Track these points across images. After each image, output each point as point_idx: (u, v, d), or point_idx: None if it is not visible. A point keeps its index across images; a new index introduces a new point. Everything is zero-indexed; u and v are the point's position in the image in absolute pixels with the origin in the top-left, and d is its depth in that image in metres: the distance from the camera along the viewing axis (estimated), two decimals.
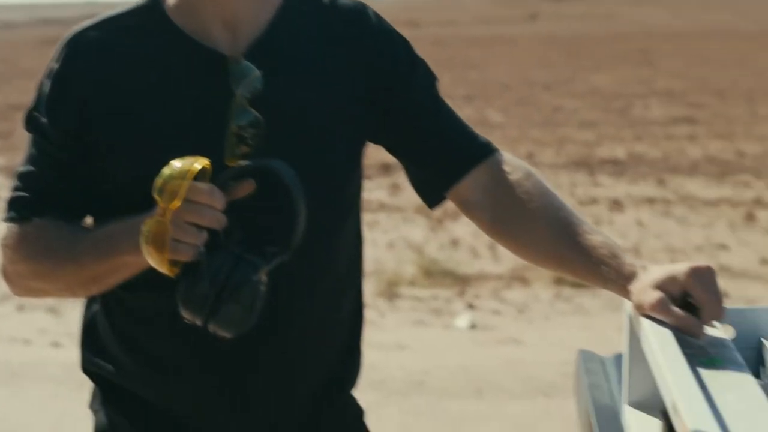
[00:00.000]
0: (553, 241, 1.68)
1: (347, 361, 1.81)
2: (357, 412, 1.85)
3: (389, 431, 4.15)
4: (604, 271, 1.62)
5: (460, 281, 6.81)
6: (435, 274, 6.94)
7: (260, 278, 1.48)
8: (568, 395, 4.68)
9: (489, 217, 1.74)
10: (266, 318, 1.51)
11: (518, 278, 6.89)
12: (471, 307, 6.25)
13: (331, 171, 1.68)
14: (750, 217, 8.38)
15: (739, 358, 1.48)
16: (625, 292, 1.60)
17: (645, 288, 1.56)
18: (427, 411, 4.56)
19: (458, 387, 4.82)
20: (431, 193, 1.78)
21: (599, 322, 5.75)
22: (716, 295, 1.54)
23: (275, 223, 1.53)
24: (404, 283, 6.67)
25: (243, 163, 1.53)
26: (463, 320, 5.95)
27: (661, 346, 1.46)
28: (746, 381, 1.41)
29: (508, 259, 7.30)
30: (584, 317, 6.05)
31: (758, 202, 8.91)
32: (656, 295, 1.54)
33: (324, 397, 1.76)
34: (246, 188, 1.51)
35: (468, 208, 1.77)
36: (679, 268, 1.56)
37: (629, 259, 1.62)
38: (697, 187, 9.54)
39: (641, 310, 1.57)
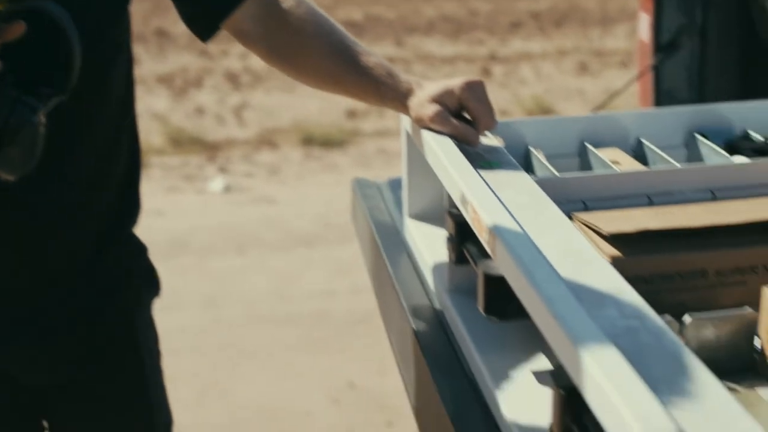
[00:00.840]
0: (331, 65, 1.71)
1: (126, 200, 1.81)
2: (140, 247, 1.86)
3: None
4: (382, 90, 1.67)
5: (209, 148, 6.79)
6: (183, 142, 6.90)
7: (39, 120, 1.46)
8: (329, 244, 4.84)
9: (265, 46, 1.76)
10: (45, 159, 1.50)
11: (266, 142, 6.94)
12: (223, 171, 6.26)
13: (100, 10, 1.65)
14: (486, 72, 8.70)
15: (513, 161, 1.58)
16: (404, 109, 1.66)
17: (423, 102, 1.63)
18: (193, 269, 4.58)
19: (220, 245, 4.87)
20: (203, 28, 1.78)
21: (349, 177, 5.88)
22: (489, 106, 1.63)
23: (49, 64, 1.50)
24: (153, 152, 6.59)
25: (11, 5, 1.48)
26: (216, 184, 5.96)
27: (444, 152, 1.54)
28: (522, 178, 1.51)
29: (254, 124, 7.33)
30: (335, 174, 6.18)
31: (492, 57, 9.26)
32: (435, 107, 1.61)
33: (106, 235, 1.76)
34: (16, 30, 1.47)
35: (244, 39, 1.78)
36: (454, 82, 1.64)
37: (405, 77, 1.68)
38: (434, 46, 9.80)
39: (421, 124, 1.64)
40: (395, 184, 2.07)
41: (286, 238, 4.94)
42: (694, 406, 0.95)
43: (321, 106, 7.60)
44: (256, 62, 8.72)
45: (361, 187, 2.14)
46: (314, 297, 4.27)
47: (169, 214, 5.31)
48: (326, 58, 1.72)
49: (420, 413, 1.59)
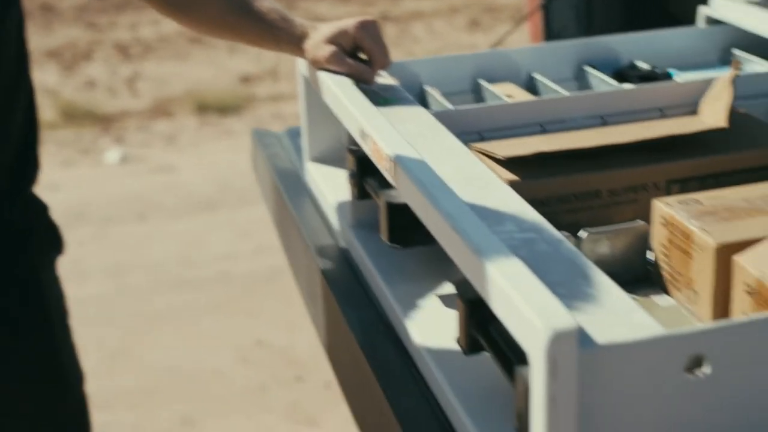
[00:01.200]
0: (226, 13, 1.72)
1: (25, 158, 1.80)
2: (42, 206, 1.86)
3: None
4: (277, 34, 1.68)
5: (103, 120, 6.70)
6: (76, 116, 6.79)
7: None
8: (230, 208, 4.82)
9: None
10: None
11: (161, 111, 6.86)
12: (119, 142, 6.18)
13: None
14: None
15: (410, 97, 1.61)
16: (300, 51, 1.68)
17: (318, 44, 1.65)
18: (92, 239, 4.54)
19: (120, 215, 4.82)
20: None
21: (246, 141, 5.86)
22: (383, 45, 1.66)
23: None
24: (45, 127, 6.47)
25: None
26: (113, 155, 5.89)
27: (342, 90, 1.56)
28: (420, 112, 1.54)
29: (147, 95, 7.24)
30: (231, 140, 6.15)
31: (384, 17, 9.27)
32: (330, 48, 1.63)
33: (6, 193, 1.75)
34: None
35: None
36: (348, 22, 1.66)
37: (299, 21, 1.70)
38: (326, 8, 9.77)
39: (317, 65, 1.66)
40: (294, 133, 2.09)
41: (187, 205, 4.91)
42: (593, 306, 1.00)
43: (214, 73, 7.54)
44: (146, 33, 8.62)
45: (261, 137, 2.15)
46: (219, 260, 4.26)
47: (66, 187, 5.23)
48: (221, 6, 1.72)
49: (332, 349, 1.62)
